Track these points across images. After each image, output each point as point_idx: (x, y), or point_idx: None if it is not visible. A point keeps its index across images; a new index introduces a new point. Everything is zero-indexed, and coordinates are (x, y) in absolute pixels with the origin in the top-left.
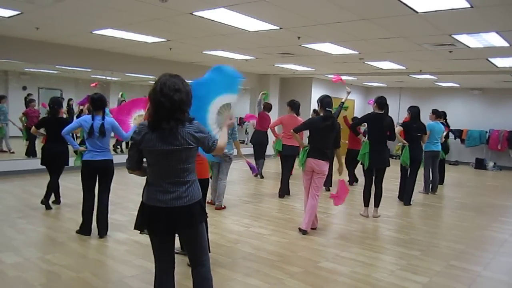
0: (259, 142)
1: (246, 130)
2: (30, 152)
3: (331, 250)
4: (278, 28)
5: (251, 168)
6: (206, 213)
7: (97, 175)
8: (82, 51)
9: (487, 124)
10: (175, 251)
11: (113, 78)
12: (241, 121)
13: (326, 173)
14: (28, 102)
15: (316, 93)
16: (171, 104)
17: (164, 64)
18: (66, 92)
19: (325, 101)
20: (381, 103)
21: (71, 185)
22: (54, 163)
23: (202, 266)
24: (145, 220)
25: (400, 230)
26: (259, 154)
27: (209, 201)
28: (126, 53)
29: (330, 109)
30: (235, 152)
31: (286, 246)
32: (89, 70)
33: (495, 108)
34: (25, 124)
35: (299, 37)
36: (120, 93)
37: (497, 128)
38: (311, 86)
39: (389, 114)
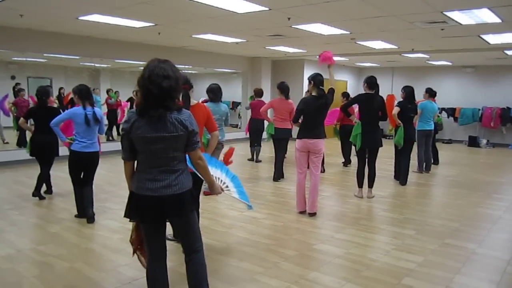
0: (255, 130)
1: (239, 114)
2: (21, 143)
3: (326, 232)
4: (267, 9)
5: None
6: (198, 202)
7: (83, 166)
8: (69, 38)
9: (480, 101)
10: (168, 237)
11: (103, 65)
12: (234, 105)
13: (323, 151)
14: (17, 91)
15: (309, 75)
16: (159, 91)
17: (153, 49)
18: (56, 81)
19: (317, 79)
20: (371, 82)
21: (63, 174)
22: (44, 154)
23: (196, 252)
24: (135, 209)
25: (394, 210)
26: (256, 140)
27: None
28: (115, 39)
29: (322, 87)
30: (228, 136)
31: (281, 230)
32: (77, 57)
33: (488, 86)
34: (15, 114)
35: (289, 18)
36: (110, 92)
37: (489, 105)
38: (303, 68)
39: (382, 94)
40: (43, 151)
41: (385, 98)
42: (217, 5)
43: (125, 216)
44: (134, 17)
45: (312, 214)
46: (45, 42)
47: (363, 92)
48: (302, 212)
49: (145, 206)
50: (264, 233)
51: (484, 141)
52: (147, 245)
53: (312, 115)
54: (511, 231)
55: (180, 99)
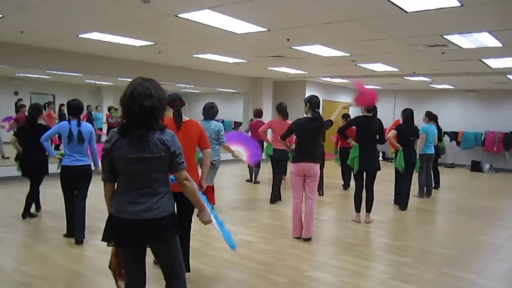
0: None
1: None
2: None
3: (320, 258)
4: (266, 29)
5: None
6: (179, 227)
7: (75, 181)
8: (70, 55)
9: (483, 126)
10: (154, 261)
11: (105, 83)
12: (236, 125)
13: (318, 175)
14: (18, 107)
15: None
16: (140, 110)
17: (154, 68)
18: (58, 97)
19: (313, 101)
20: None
21: (55, 191)
22: (33, 173)
23: (177, 279)
24: (113, 232)
25: (392, 236)
26: None
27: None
28: (115, 57)
29: (318, 110)
30: (223, 157)
31: (274, 255)
32: (79, 75)
33: (491, 110)
34: (15, 130)
35: (288, 39)
36: (112, 110)
37: (492, 129)
38: (305, 89)
39: (385, 116)
40: (31, 169)
41: (392, 122)
42: (216, 25)
43: (103, 239)
44: (133, 35)
45: (307, 239)
46: (45, 59)
47: (360, 114)
48: (298, 238)
49: (123, 230)
50: (256, 257)
51: (487, 166)
52: (126, 271)
53: (306, 138)
54: None
55: (172, 115)
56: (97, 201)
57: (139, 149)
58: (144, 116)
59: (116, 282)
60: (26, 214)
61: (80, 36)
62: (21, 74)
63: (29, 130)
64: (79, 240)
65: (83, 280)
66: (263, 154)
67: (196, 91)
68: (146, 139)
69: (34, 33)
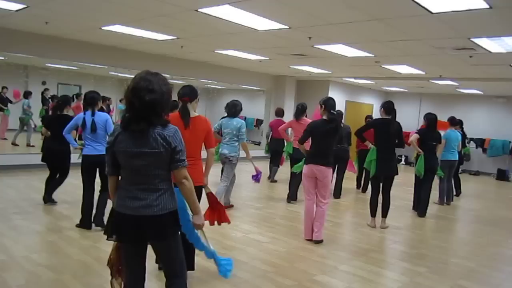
0: (275, 150)
1: (262, 132)
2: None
3: (330, 263)
4: (287, 27)
5: (256, 173)
6: (180, 225)
7: (97, 170)
8: (94, 47)
9: (511, 133)
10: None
11: (129, 75)
12: (257, 122)
13: (330, 179)
14: (50, 97)
15: (334, 96)
16: (141, 104)
17: (177, 63)
18: (84, 88)
19: (328, 103)
20: (388, 108)
21: (75, 181)
22: (54, 161)
23: (177, 278)
24: (115, 227)
25: (408, 244)
26: (274, 161)
27: (229, 205)
28: (138, 50)
29: (334, 112)
30: (242, 154)
31: (283, 256)
32: (103, 67)
33: None
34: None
35: (310, 38)
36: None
37: None
38: (328, 89)
39: (409, 120)
40: (52, 158)
41: (416, 126)
42: (237, 21)
43: (104, 233)
44: (155, 29)
45: (318, 242)
46: (70, 50)
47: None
48: (309, 240)
49: (124, 225)
50: (265, 258)
51: None
52: (125, 266)
53: (319, 140)
54: None
55: (178, 111)
56: None
57: (139, 143)
58: (145, 111)
59: (112, 279)
60: (49, 196)
61: (104, 28)
62: (50, 65)
63: (55, 120)
64: (97, 225)
65: (89, 271)
66: (284, 152)
67: (219, 87)
68: (146, 134)
69: (59, 24)
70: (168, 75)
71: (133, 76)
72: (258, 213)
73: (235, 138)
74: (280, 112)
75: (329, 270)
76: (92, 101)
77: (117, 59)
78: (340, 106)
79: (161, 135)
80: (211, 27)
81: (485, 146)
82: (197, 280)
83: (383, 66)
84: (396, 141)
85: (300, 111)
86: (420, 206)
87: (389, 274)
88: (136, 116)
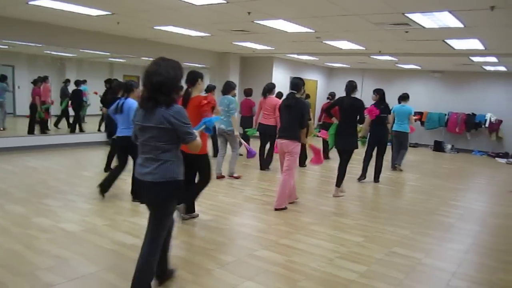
0: (243, 128)
1: None
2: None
3: (271, 238)
4: (225, 1)
5: (248, 151)
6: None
7: (121, 149)
8: (22, 23)
9: (446, 106)
10: (185, 216)
11: (67, 54)
12: None
13: (297, 153)
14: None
15: (278, 73)
16: (150, 86)
17: (114, 39)
18: (18, 68)
19: (290, 82)
20: (346, 87)
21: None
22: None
23: (149, 242)
24: (133, 188)
25: (346, 215)
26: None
27: (218, 176)
28: (73, 27)
29: (294, 91)
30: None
31: (225, 233)
32: (38, 45)
33: (455, 91)
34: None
35: (249, 13)
36: None
37: (455, 111)
38: (273, 66)
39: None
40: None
41: None
42: None
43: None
44: (86, 3)
45: (279, 209)
46: None
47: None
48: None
49: (137, 186)
50: (206, 236)
51: (449, 146)
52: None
53: (282, 116)
54: (461, 240)
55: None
56: (49, 177)
57: (147, 118)
58: (153, 91)
59: None
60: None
61: (30, 3)
62: None
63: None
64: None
65: (19, 260)
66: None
67: None
68: (154, 111)
69: None
70: (106, 53)
71: (68, 54)
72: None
73: (228, 114)
74: (249, 93)
75: (270, 244)
76: (125, 89)
77: (50, 37)
78: (284, 82)
79: (165, 113)
80: (146, 2)
81: (423, 119)
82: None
83: (324, 42)
84: (358, 118)
85: (266, 90)
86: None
87: (328, 246)
88: (148, 96)
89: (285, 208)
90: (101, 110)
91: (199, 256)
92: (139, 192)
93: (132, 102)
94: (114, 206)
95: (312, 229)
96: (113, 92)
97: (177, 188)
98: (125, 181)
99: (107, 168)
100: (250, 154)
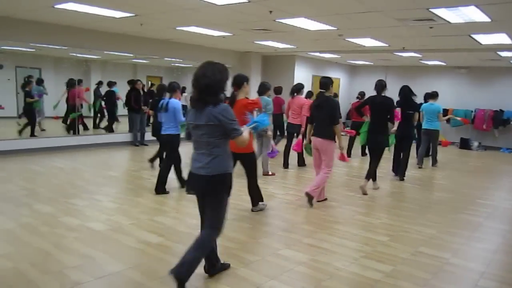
0: (275, 125)
1: None
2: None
3: (295, 237)
4: (246, 1)
5: (272, 150)
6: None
7: (162, 146)
8: (48, 27)
9: (473, 103)
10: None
11: (92, 56)
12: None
13: (331, 152)
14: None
15: (300, 72)
16: (198, 87)
17: (138, 41)
18: (45, 71)
19: (320, 82)
20: (376, 86)
21: None
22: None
23: (208, 228)
24: (188, 181)
25: (371, 214)
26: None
27: (269, 173)
28: (96, 30)
29: (323, 90)
30: None
31: (248, 232)
32: (62, 47)
33: (481, 87)
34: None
35: (270, 12)
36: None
37: (482, 107)
38: (295, 65)
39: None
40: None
41: None
42: None
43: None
44: (111, 6)
45: (308, 195)
46: (21, 30)
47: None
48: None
49: (190, 181)
50: (230, 235)
51: (475, 144)
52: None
53: (314, 115)
54: (490, 239)
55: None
56: (75, 177)
57: (198, 117)
58: (202, 93)
59: None
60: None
61: (56, 6)
62: (6, 47)
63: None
64: (157, 192)
65: (48, 258)
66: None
67: (183, 65)
68: (203, 110)
69: (9, 4)
70: (130, 54)
71: (92, 56)
72: None
73: (264, 111)
74: (279, 91)
75: (294, 243)
76: (169, 89)
77: (75, 39)
78: (306, 80)
79: (212, 112)
80: (168, 2)
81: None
82: (157, 259)
83: (346, 39)
84: (388, 117)
85: (295, 90)
86: (399, 170)
87: (352, 245)
88: (197, 97)
89: (312, 198)
90: (145, 112)
91: (223, 255)
92: (193, 185)
93: (176, 102)
94: (139, 206)
95: (336, 228)
96: (158, 93)
97: (228, 180)
98: (149, 181)
99: (152, 160)
100: (272, 154)
